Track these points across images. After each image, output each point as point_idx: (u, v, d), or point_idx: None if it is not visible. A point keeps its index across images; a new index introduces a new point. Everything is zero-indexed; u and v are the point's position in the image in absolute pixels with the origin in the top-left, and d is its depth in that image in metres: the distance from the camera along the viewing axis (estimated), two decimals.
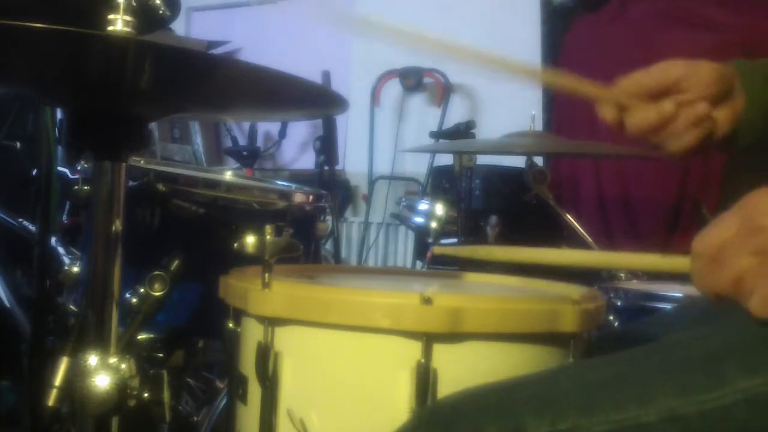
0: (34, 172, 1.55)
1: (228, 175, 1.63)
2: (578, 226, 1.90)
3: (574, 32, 2.89)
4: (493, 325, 0.85)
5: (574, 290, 1.01)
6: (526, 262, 0.98)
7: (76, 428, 0.96)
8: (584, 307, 0.90)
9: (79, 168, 1.40)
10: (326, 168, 2.95)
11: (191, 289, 1.28)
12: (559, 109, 2.97)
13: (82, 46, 0.82)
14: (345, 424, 0.87)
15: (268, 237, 0.91)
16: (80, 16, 0.88)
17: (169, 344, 1.33)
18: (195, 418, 1.51)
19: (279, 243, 0.91)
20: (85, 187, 1.36)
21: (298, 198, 1.44)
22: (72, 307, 1.45)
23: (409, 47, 0.92)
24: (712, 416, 0.68)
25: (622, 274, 1.66)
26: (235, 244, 0.92)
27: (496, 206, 2.25)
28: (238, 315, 0.99)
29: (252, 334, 0.94)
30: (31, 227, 1.85)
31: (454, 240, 2.08)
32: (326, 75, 2.95)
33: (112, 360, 0.96)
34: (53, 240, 1.56)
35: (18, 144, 2.39)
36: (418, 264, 2.86)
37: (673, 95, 0.94)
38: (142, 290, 1.20)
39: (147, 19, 1.02)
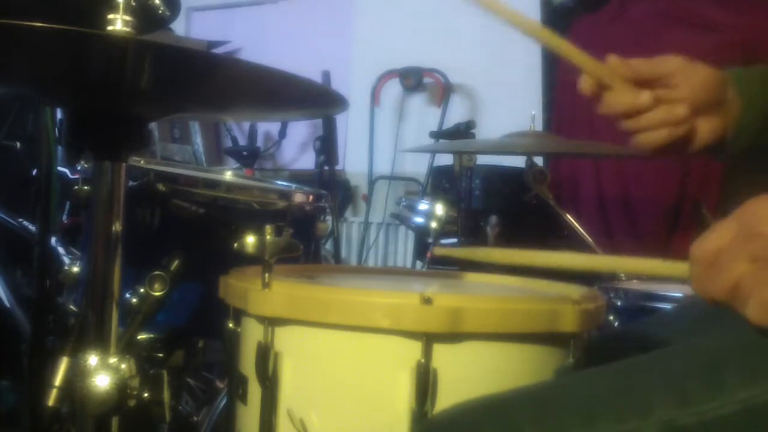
0: (34, 172, 1.55)
1: (228, 175, 1.63)
2: (578, 226, 1.90)
3: (574, 32, 2.88)
4: (493, 325, 0.85)
5: (574, 290, 1.01)
6: (524, 264, 0.98)
7: (76, 428, 0.96)
8: (584, 307, 0.90)
9: (79, 168, 1.40)
10: (326, 168, 2.95)
11: (191, 289, 1.28)
12: (559, 109, 2.97)
13: (82, 46, 0.82)
14: (345, 424, 0.87)
15: (268, 237, 0.91)
16: (80, 16, 0.88)
17: (169, 344, 1.33)
18: (195, 418, 1.51)
19: (279, 243, 0.91)
20: (85, 187, 1.36)
21: (298, 198, 1.44)
22: (72, 307, 1.45)
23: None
24: (713, 426, 0.68)
25: (622, 275, 1.66)
26: (235, 244, 0.92)
27: (496, 206, 2.25)
28: (238, 315, 0.99)
29: (252, 334, 0.94)
30: (31, 227, 1.85)
31: (454, 240, 2.08)
32: (326, 75, 2.95)
33: (112, 360, 0.96)
34: (53, 240, 1.56)
35: (18, 144, 2.39)
36: (418, 264, 2.86)
37: (659, 88, 0.94)
38: (142, 290, 1.20)
39: (147, 18, 1.02)
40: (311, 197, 1.46)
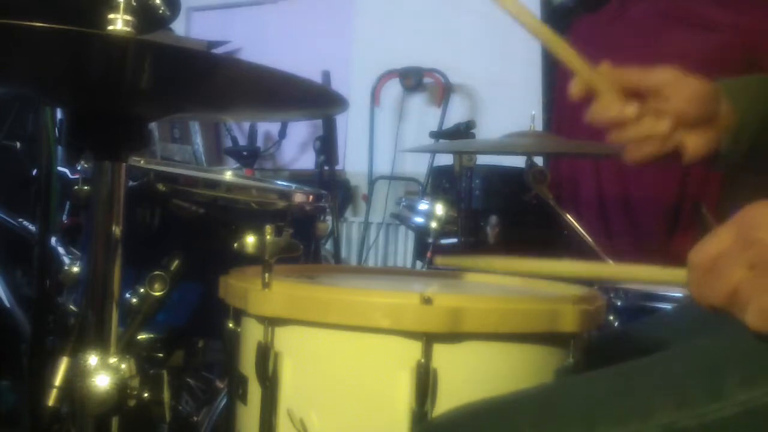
0: (34, 172, 1.55)
1: (228, 175, 1.63)
2: (578, 226, 1.90)
3: (574, 32, 2.88)
4: (493, 325, 0.85)
5: (574, 290, 1.01)
6: (525, 273, 0.98)
7: (76, 428, 0.96)
8: (584, 307, 0.90)
9: (79, 168, 1.40)
10: (326, 168, 2.95)
11: (191, 289, 1.28)
12: (559, 109, 2.97)
13: (83, 46, 0.82)
14: (345, 424, 0.87)
15: (268, 237, 0.90)
16: (80, 16, 0.88)
17: (169, 344, 1.33)
18: (195, 418, 1.51)
19: (279, 243, 0.91)
20: (85, 187, 1.36)
21: (298, 198, 1.44)
22: (72, 307, 1.45)
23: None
24: (713, 429, 0.68)
25: (622, 283, 1.66)
26: (235, 244, 0.92)
27: (496, 206, 2.25)
28: (238, 315, 0.99)
29: (252, 334, 0.94)
30: (31, 227, 1.85)
31: (454, 240, 2.08)
32: (326, 75, 2.95)
33: (112, 360, 0.96)
34: (53, 240, 1.57)
35: (18, 144, 2.39)
36: (418, 264, 2.86)
37: (650, 99, 0.92)
38: (142, 290, 1.20)
39: (147, 18, 1.02)
40: (311, 197, 1.47)
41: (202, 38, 3.80)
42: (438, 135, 2.76)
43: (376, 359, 0.87)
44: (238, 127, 3.76)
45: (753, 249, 0.64)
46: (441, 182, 2.77)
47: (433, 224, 2.06)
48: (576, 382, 0.84)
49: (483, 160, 2.37)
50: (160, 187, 1.27)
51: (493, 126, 2.38)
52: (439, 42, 3.44)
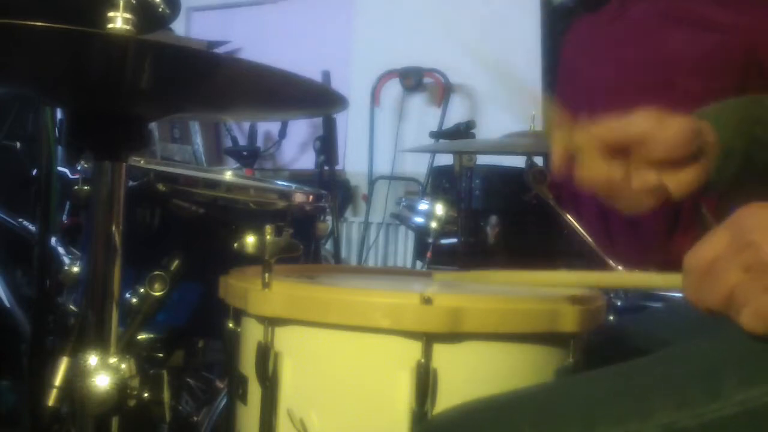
0: (34, 172, 1.55)
1: (228, 175, 1.63)
2: (578, 226, 1.90)
3: (574, 32, 2.88)
4: (493, 325, 0.85)
5: (574, 290, 1.01)
6: (523, 284, 0.98)
7: (76, 428, 0.96)
8: (584, 307, 0.90)
9: (79, 168, 1.40)
10: (326, 168, 2.96)
11: (191, 289, 1.28)
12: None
13: (83, 45, 0.82)
14: (345, 424, 0.87)
15: (268, 237, 0.90)
16: (80, 15, 0.88)
17: (169, 344, 1.33)
18: (195, 418, 1.51)
19: (279, 243, 0.91)
20: (85, 187, 1.36)
21: (298, 198, 1.44)
22: (72, 307, 1.45)
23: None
24: (712, 429, 0.68)
25: (621, 291, 1.66)
26: (235, 244, 0.91)
27: (496, 206, 2.25)
28: (238, 315, 0.99)
29: (252, 334, 0.94)
30: (31, 227, 1.85)
31: (454, 240, 2.08)
32: (326, 75, 2.95)
33: (112, 360, 0.96)
34: (53, 240, 1.57)
35: (18, 144, 2.40)
36: (418, 264, 2.86)
37: (634, 150, 0.90)
38: (142, 290, 1.20)
39: (147, 17, 1.02)
40: (311, 197, 1.46)
41: (202, 38, 3.81)
42: (438, 135, 2.76)
43: (376, 359, 0.87)
44: (238, 127, 3.76)
45: (747, 252, 0.64)
46: (441, 182, 2.77)
47: (433, 224, 2.06)
48: (576, 382, 0.84)
49: (483, 160, 2.37)
50: (160, 187, 1.27)
51: (493, 126, 2.38)
52: (439, 42, 3.44)
